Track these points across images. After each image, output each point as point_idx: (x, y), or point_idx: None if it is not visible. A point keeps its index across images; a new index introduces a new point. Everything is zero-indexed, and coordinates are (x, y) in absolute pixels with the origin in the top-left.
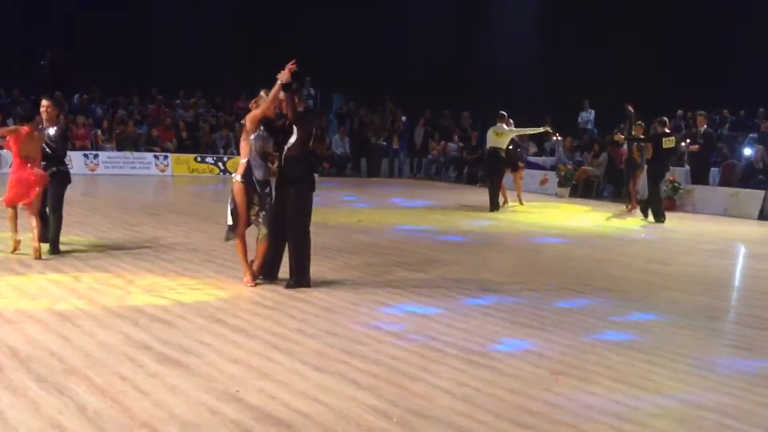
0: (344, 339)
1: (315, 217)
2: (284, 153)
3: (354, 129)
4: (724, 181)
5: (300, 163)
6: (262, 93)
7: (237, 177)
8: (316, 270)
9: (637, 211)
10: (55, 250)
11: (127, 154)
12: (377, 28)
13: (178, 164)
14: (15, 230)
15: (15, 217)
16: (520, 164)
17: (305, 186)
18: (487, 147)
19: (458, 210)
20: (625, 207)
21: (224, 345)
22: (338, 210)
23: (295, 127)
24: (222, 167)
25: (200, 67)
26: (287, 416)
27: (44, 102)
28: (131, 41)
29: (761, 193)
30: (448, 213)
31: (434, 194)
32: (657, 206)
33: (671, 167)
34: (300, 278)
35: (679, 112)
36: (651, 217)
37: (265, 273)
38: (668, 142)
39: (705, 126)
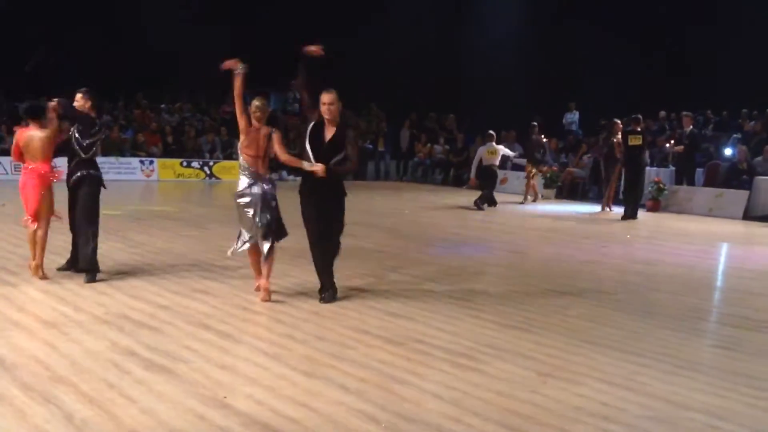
0: (333, 343)
1: (297, 220)
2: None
3: None
4: (709, 182)
5: None
6: (255, 102)
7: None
8: (303, 274)
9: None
10: (90, 277)
11: (112, 159)
12: (362, 31)
13: (164, 169)
14: (32, 252)
15: (32, 237)
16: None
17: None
18: (483, 164)
19: (444, 212)
20: (602, 208)
21: (211, 351)
22: None
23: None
24: (208, 171)
25: (185, 71)
26: (275, 422)
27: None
28: (116, 46)
29: (745, 193)
30: (435, 215)
31: (421, 196)
32: (629, 201)
33: (657, 167)
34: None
35: (662, 113)
36: (636, 216)
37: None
38: (634, 140)
39: (691, 127)
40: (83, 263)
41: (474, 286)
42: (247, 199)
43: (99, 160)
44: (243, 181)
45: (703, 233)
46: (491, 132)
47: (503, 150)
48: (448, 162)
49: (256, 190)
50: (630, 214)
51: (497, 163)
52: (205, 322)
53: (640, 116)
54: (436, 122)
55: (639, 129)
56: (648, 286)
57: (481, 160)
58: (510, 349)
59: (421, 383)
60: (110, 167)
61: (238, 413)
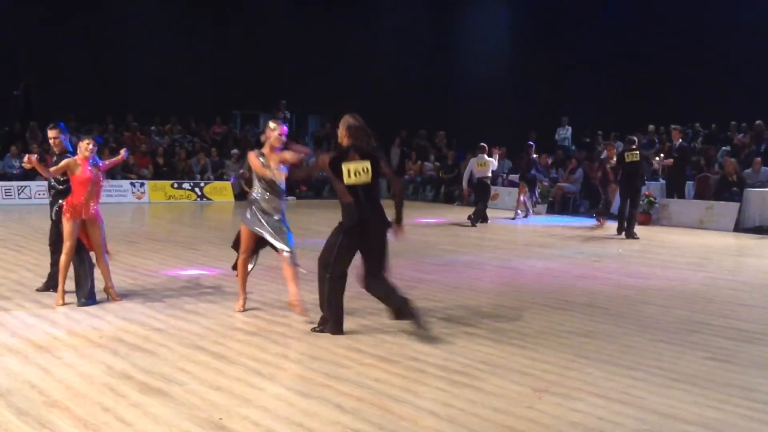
0: (327, 363)
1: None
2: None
3: (331, 150)
4: (699, 194)
5: None
6: (270, 123)
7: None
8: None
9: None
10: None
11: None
12: (351, 50)
13: (155, 191)
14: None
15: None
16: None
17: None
18: (475, 178)
19: (436, 229)
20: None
21: (206, 372)
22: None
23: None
24: (199, 193)
25: (175, 93)
26: None
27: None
28: (104, 69)
29: (736, 205)
30: (427, 232)
31: (412, 214)
32: (624, 221)
33: (648, 181)
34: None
35: (651, 127)
36: (633, 234)
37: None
38: (630, 156)
39: (680, 140)
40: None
41: (468, 302)
42: None
43: None
44: None
45: (695, 246)
46: (483, 144)
47: (493, 163)
48: (439, 179)
49: None
50: (630, 233)
51: (489, 174)
52: (199, 343)
53: (635, 138)
54: (426, 139)
55: (634, 147)
56: (641, 299)
57: (472, 173)
58: (505, 366)
59: (417, 401)
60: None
61: None
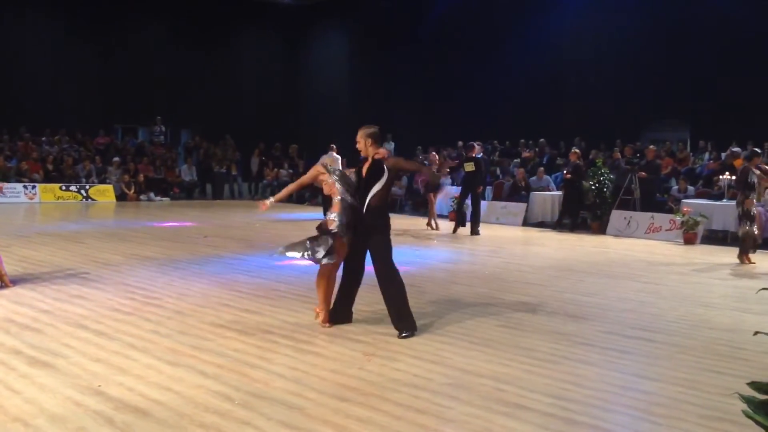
0: (193, 337)
1: (164, 234)
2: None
3: (200, 159)
4: (496, 196)
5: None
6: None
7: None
8: (166, 280)
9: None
10: None
11: None
12: (218, 74)
13: (45, 192)
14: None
15: None
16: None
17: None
18: None
19: (289, 224)
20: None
21: (87, 347)
22: (187, 228)
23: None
24: (84, 194)
25: (64, 108)
26: (144, 405)
27: None
28: (0, 85)
29: (523, 205)
30: (281, 227)
31: (269, 212)
32: (462, 219)
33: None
34: (406, 323)
35: (460, 143)
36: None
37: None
38: (468, 166)
39: (481, 153)
40: None
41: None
42: None
43: None
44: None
45: (492, 237)
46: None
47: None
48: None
49: None
50: (474, 230)
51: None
52: (82, 323)
53: (473, 143)
54: (281, 151)
55: (473, 155)
56: (451, 280)
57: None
58: (341, 335)
59: (269, 366)
60: None
61: (111, 399)
